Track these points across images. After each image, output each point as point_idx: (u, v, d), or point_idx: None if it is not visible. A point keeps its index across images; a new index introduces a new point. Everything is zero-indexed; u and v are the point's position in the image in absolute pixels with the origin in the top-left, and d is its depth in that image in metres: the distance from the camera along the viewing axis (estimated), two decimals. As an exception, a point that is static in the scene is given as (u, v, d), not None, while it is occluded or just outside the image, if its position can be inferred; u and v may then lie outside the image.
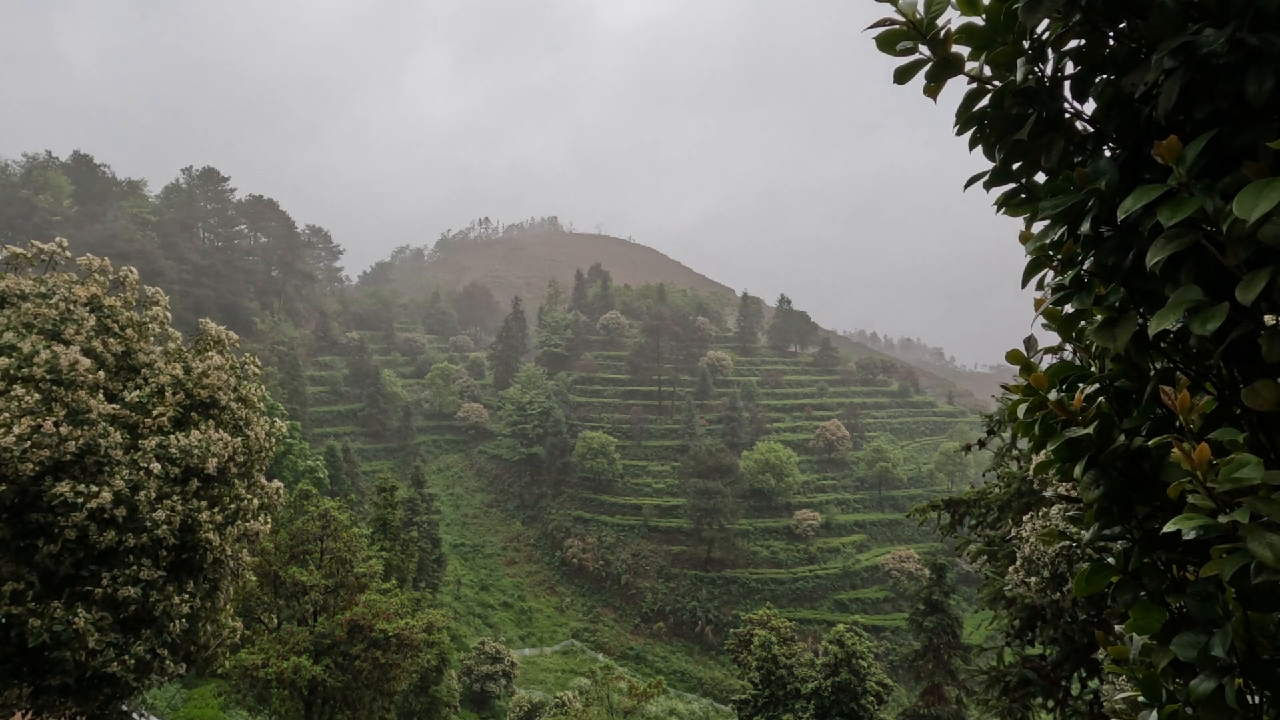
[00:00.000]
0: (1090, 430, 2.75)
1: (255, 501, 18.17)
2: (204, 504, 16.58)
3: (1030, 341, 3.08)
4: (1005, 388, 3.24)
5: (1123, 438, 2.72)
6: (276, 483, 19.67)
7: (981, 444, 20.88)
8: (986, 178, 2.98)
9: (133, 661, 15.53)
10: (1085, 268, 2.72)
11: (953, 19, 2.78)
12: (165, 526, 15.63)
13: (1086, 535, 2.92)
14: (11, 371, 15.07)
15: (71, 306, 16.67)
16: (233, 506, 17.55)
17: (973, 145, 2.96)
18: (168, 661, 16.61)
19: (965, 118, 2.91)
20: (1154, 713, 2.74)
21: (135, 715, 20.08)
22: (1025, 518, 15.83)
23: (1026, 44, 2.74)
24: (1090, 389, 2.88)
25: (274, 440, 19.09)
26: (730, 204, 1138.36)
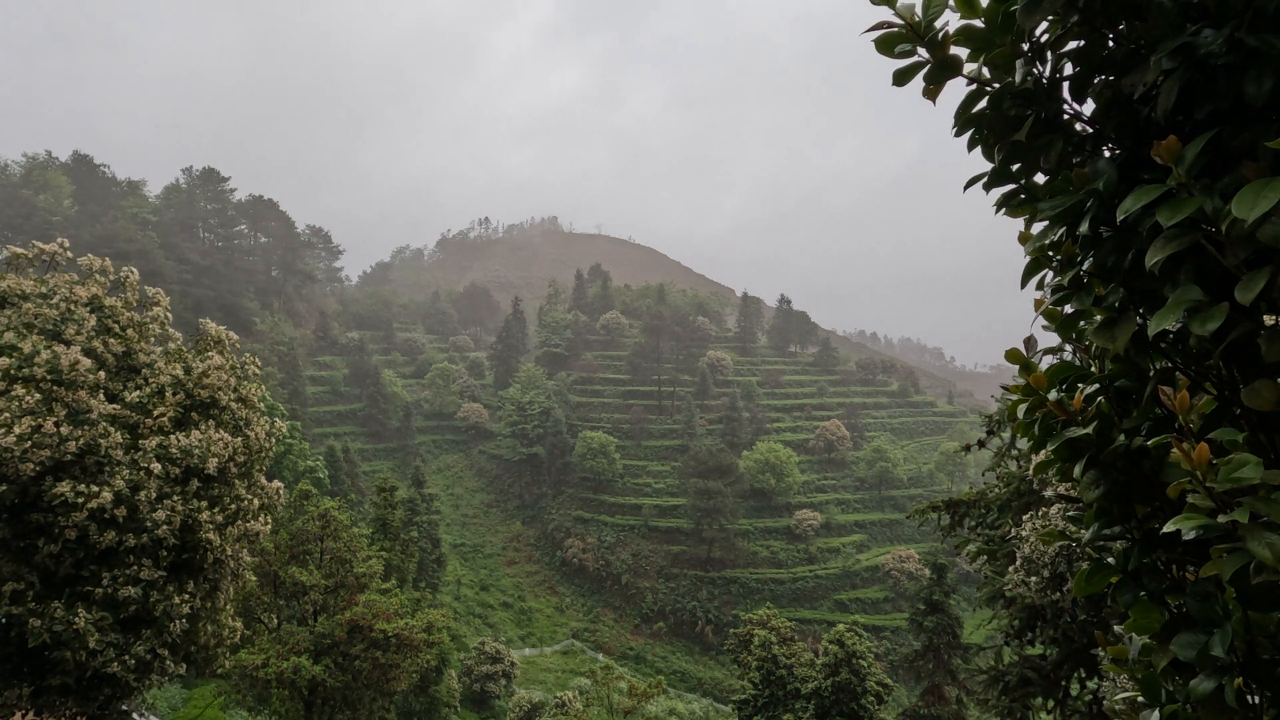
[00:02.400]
0: (1090, 430, 2.75)
1: (255, 502, 18.17)
2: (204, 504, 16.58)
3: (1030, 341, 3.08)
4: (1005, 388, 3.24)
5: (1123, 438, 2.73)
6: (276, 483, 19.68)
7: (981, 444, 20.88)
8: (986, 179, 2.98)
9: (133, 661, 15.53)
10: (1085, 268, 2.73)
11: (951, 21, 2.78)
12: (165, 526, 15.64)
13: (1086, 535, 2.92)
14: (12, 371, 15.07)
15: (72, 307, 16.67)
16: (233, 507, 17.55)
17: (971, 146, 2.96)
18: (168, 661, 16.61)
19: (964, 119, 2.91)
20: (1154, 713, 2.75)
21: (135, 715, 20.09)
22: (1025, 518, 15.84)
23: (1025, 45, 2.74)
24: (1090, 389, 2.88)
25: (274, 440, 19.09)
26: (747, 205, 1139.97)
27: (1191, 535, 2.25)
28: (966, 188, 3.05)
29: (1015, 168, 2.92)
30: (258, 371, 19.98)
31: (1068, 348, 3.17)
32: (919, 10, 2.73)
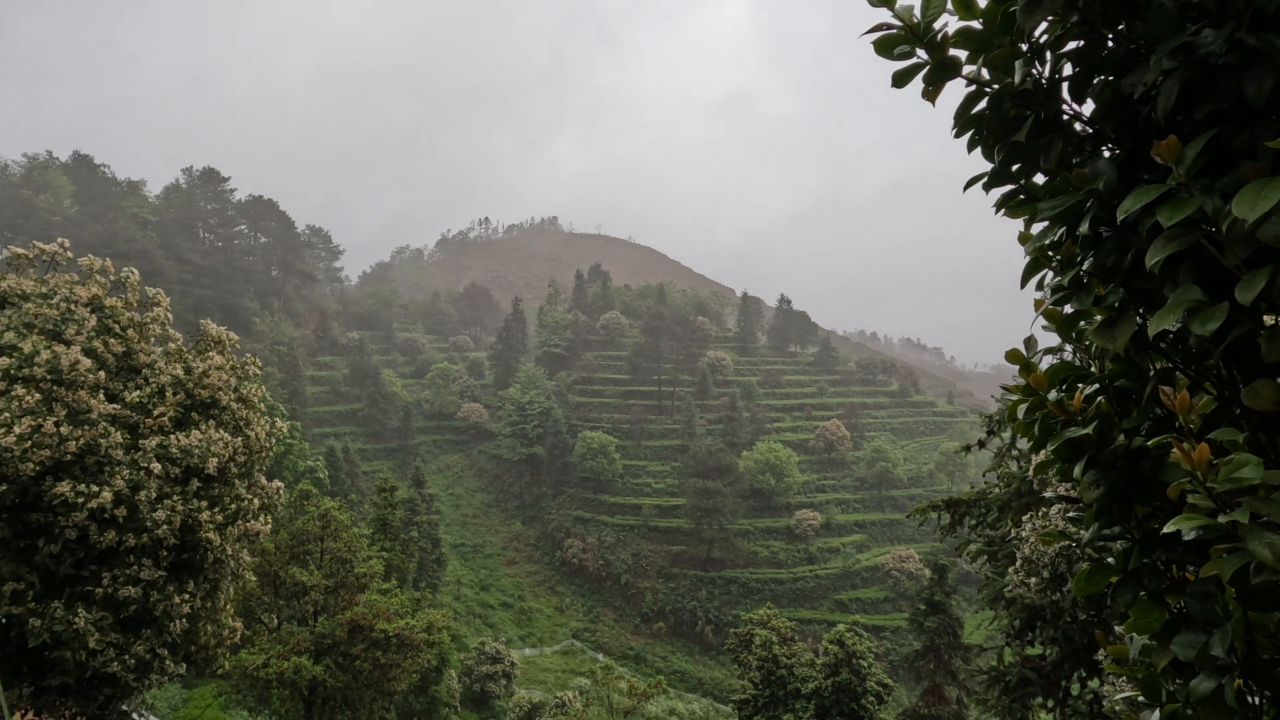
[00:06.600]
0: (1090, 430, 2.75)
1: (256, 501, 18.16)
2: (204, 504, 16.58)
3: (1030, 341, 3.08)
4: (1005, 388, 3.24)
5: (1122, 438, 2.73)
6: (277, 483, 19.67)
7: (981, 444, 20.86)
8: (986, 179, 2.98)
9: (133, 661, 15.53)
10: (1084, 268, 2.72)
11: (950, 22, 2.78)
12: (165, 526, 15.63)
13: (1086, 535, 2.92)
14: (12, 371, 15.07)
15: (73, 307, 16.67)
16: (233, 506, 17.54)
17: (971, 147, 2.96)
18: (168, 661, 16.61)
19: (964, 120, 2.91)
20: (1154, 713, 2.75)
21: (135, 715, 20.05)
22: (1025, 518, 15.84)
23: (1024, 46, 2.74)
24: (1090, 389, 2.88)
25: (274, 440, 19.08)
26: (787, 204, 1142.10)
27: (1191, 535, 2.25)
28: (966, 188, 3.05)
29: (1015, 168, 2.91)
30: (258, 371, 19.97)
31: (1068, 348, 3.18)
32: (918, 12, 2.73)
